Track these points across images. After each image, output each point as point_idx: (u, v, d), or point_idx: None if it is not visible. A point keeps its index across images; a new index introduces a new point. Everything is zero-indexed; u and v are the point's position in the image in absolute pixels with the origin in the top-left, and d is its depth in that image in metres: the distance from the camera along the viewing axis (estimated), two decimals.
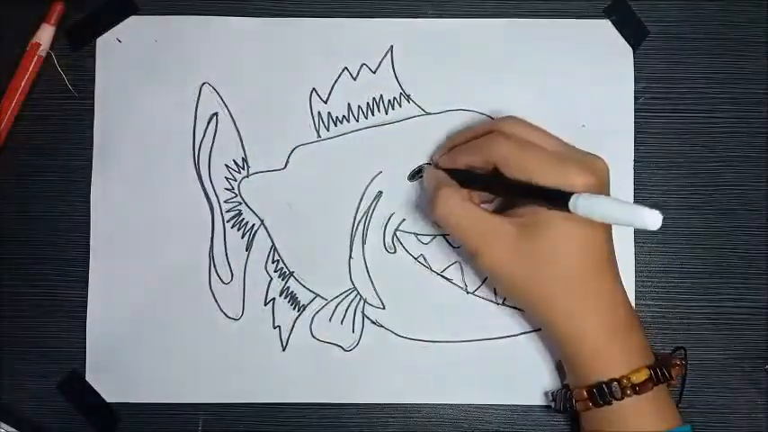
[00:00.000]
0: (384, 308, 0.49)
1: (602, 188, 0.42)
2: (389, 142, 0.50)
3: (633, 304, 0.48)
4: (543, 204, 0.41)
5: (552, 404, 0.48)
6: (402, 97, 0.50)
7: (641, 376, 0.42)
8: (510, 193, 0.43)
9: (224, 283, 0.49)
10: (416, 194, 0.50)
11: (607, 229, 0.43)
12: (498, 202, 0.47)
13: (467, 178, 0.45)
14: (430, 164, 0.49)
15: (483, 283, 0.49)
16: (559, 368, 0.48)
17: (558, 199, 0.39)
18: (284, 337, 0.49)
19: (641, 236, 0.49)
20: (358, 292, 0.49)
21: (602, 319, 0.42)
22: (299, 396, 0.49)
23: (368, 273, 0.49)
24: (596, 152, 0.49)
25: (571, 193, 0.38)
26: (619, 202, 0.37)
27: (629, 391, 0.42)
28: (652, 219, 0.35)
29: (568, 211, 0.38)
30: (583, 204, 0.37)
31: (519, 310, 0.49)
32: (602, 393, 0.42)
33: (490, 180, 0.44)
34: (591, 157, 0.43)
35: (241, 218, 0.50)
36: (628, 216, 0.36)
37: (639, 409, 0.42)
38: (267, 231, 0.50)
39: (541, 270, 0.42)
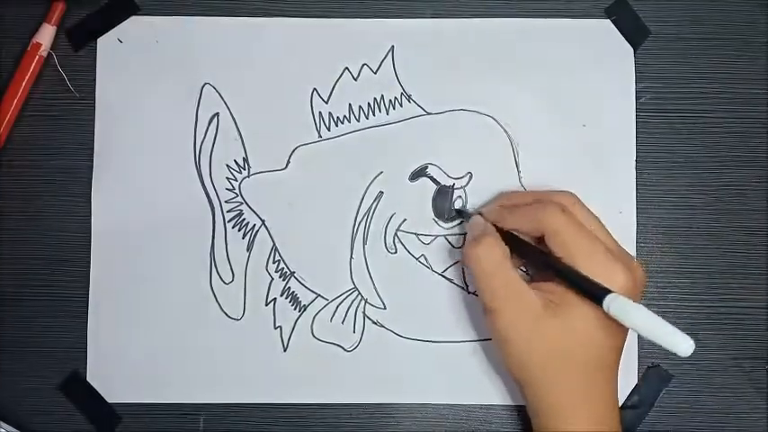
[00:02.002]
0: (385, 308, 0.49)
1: (637, 294, 0.42)
2: (390, 142, 0.50)
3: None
4: (579, 292, 0.41)
5: None
6: (403, 97, 0.50)
7: None
8: (548, 268, 0.43)
9: (225, 283, 0.49)
10: (417, 195, 0.50)
11: (625, 335, 0.43)
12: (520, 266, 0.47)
13: (509, 239, 0.44)
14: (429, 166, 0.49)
15: None
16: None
17: (593, 291, 0.39)
18: (285, 337, 0.49)
19: (641, 236, 0.49)
20: (359, 293, 0.49)
21: (590, 418, 0.42)
22: (300, 396, 0.49)
23: (369, 273, 0.49)
24: (597, 152, 0.50)
25: (609, 291, 0.38)
26: (655, 318, 0.37)
27: None
28: (684, 346, 0.35)
29: (599, 304, 0.38)
30: (617, 306, 0.38)
31: None
32: None
33: (531, 248, 0.44)
34: (635, 262, 0.44)
35: (242, 218, 0.50)
36: (660, 334, 0.36)
37: None
38: (268, 231, 0.50)
39: (549, 350, 0.42)
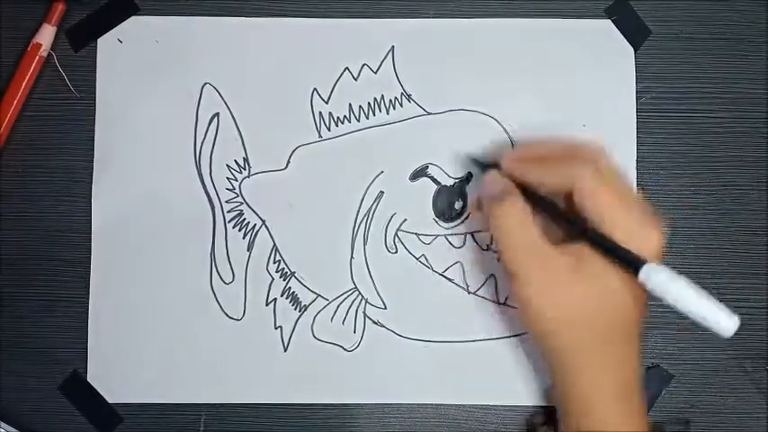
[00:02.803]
0: (385, 308, 0.49)
1: (661, 258, 0.40)
2: (391, 142, 0.50)
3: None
4: (612, 259, 0.39)
5: None
6: (403, 97, 0.50)
7: None
8: (576, 230, 0.41)
9: (225, 283, 0.49)
10: (418, 195, 0.50)
11: (646, 296, 0.41)
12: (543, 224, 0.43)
13: (532, 197, 0.42)
14: (429, 166, 0.49)
15: (484, 283, 0.49)
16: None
17: (628, 260, 0.38)
18: (286, 337, 0.49)
19: None
20: (359, 293, 0.49)
21: (615, 378, 0.41)
22: (300, 396, 0.49)
23: (369, 273, 0.49)
24: None
25: (644, 262, 0.37)
26: (698, 294, 0.35)
27: None
28: (727, 324, 0.34)
29: (634, 274, 0.37)
30: (657, 279, 0.36)
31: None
32: None
33: (557, 208, 0.42)
34: (660, 224, 0.41)
35: (242, 218, 0.50)
36: (703, 312, 0.34)
37: None
38: (268, 231, 0.50)
39: (577, 317, 0.40)
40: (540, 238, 0.41)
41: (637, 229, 0.40)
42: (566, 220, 0.42)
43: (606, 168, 0.41)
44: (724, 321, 0.34)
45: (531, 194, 0.42)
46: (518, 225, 0.41)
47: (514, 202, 0.42)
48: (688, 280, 0.37)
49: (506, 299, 0.49)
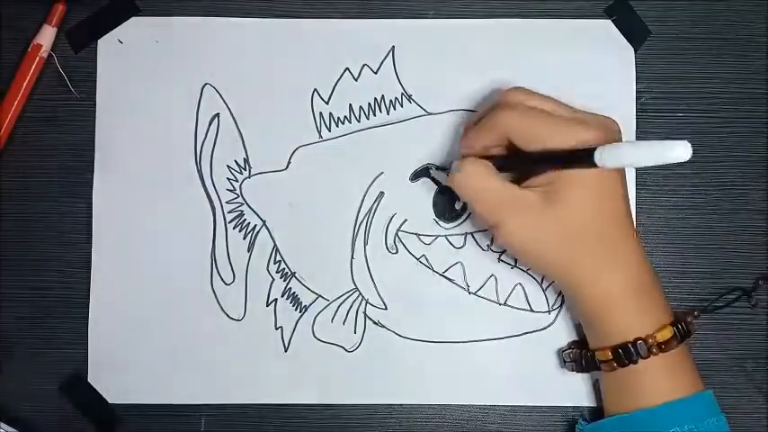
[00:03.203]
0: (386, 308, 0.49)
1: (615, 141, 0.42)
2: (391, 143, 0.50)
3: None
4: (566, 167, 0.41)
5: (568, 365, 0.48)
6: (404, 98, 0.50)
7: (666, 334, 0.42)
8: (530, 165, 0.43)
9: (226, 283, 0.49)
10: (418, 195, 0.50)
11: (623, 185, 0.43)
12: (513, 178, 0.46)
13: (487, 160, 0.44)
14: (430, 167, 0.50)
15: (485, 283, 0.49)
16: (570, 357, 0.48)
17: (581, 157, 0.39)
18: (286, 337, 0.49)
19: (641, 236, 0.49)
20: (360, 293, 0.49)
21: (626, 276, 0.43)
22: (300, 397, 0.49)
23: (370, 273, 0.49)
24: None
25: (593, 148, 0.38)
26: (644, 143, 0.36)
27: (654, 350, 0.42)
28: (682, 149, 0.35)
29: (594, 166, 0.38)
30: (609, 155, 0.37)
31: (524, 309, 0.49)
32: (628, 353, 0.42)
33: (507, 157, 0.44)
34: (599, 117, 0.43)
35: (243, 218, 0.50)
36: (657, 153, 0.35)
37: (663, 370, 0.42)
38: (269, 232, 0.50)
39: (564, 234, 0.42)
40: (506, 183, 0.43)
41: (568, 132, 0.41)
42: (518, 162, 0.43)
43: (522, 98, 0.43)
44: (678, 148, 0.35)
45: (487, 159, 0.44)
46: (482, 179, 0.43)
47: (471, 162, 0.44)
48: (631, 141, 0.38)
49: (507, 299, 0.49)
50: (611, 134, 0.42)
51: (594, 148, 0.38)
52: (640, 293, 0.43)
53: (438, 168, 0.49)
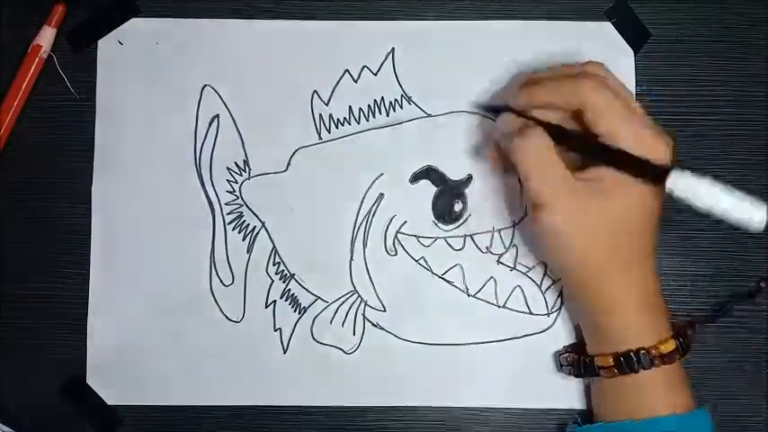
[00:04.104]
0: (385, 310, 0.49)
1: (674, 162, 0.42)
2: (391, 144, 0.50)
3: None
4: (629, 172, 0.40)
5: (565, 369, 0.47)
6: (403, 99, 0.50)
7: (669, 346, 0.42)
8: (589, 150, 0.42)
9: (225, 285, 0.49)
10: (418, 197, 0.50)
11: (660, 198, 0.42)
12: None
13: (547, 129, 0.42)
14: (429, 169, 0.49)
15: (484, 285, 0.49)
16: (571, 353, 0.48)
17: (651, 172, 0.38)
18: (285, 339, 0.49)
19: None
20: (359, 295, 0.49)
21: (639, 290, 0.43)
22: (299, 399, 0.49)
23: (369, 275, 0.49)
24: None
25: (669, 169, 0.37)
26: (728, 190, 0.35)
27: (657, 362, 0.42)
28: (759, 218, 0.34)
29: (658, 184, 0.37)
30: (684, 184, 0.37)
31: (523, 312, 0.49)
32: (630, 361, 0.42)
33: (571, 133, 0.42)
34: (664, 132, 0.42)
35: (242, 220, 0.50)
36: (734, 208, 0.35)
37: (663, 382, 0.42)
38: (268, 233, 0.50)
39: (603, 237, 0.41)
40: (565, 169, 0.42)
41: (649, 140, 0.41)
42: (583, 145, 0.42)
43: (613, 83, 0.42)
44: (757, 216, 0.34)
45: (545, 127, 0.42)
46: (544, 156, 0.42)
47: (539, 134, 0.42)
48: (712, 179, 0.37)
49: (506, 301, 0.49)
50: (674, 153, 0.42)
51: (669, 169, 0.38)
52: (647, 306, 0.43)
53: (484, 106, 0.48)
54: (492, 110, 0.48)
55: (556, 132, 0.42)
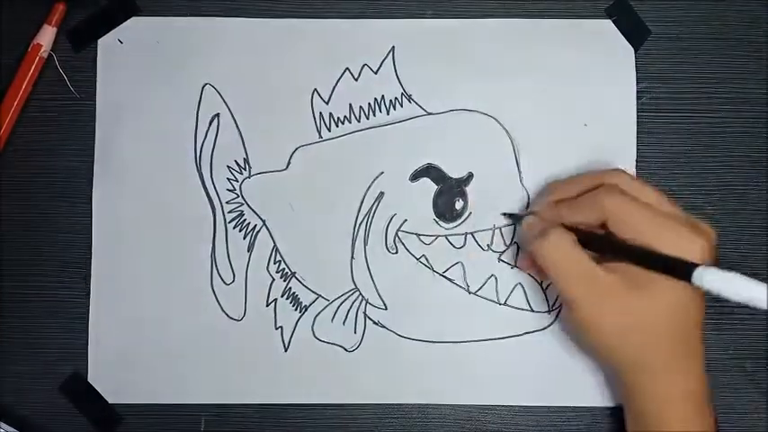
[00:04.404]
0: (386, 308, 0.49)
1: (712, 255, 0.41)
2: (391, 143, 0.50)
3: None
4: (657, 270, 0.40)
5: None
6: (404, 97, 0.50)
7: None
8: (621, 254, 0.42)
9: (226, 283, 0.49)
10: (418, 195, 0.50)
11: (703, 297, 0.42)
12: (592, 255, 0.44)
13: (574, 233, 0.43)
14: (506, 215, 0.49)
15: (485, 283, 0.49)
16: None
17: (678, 268, 0.38)
18: (286, 337, 0.49)
19: None
20: (360, 293, 0.49)
21: (689, 384, 0.42)
22: (300, 397, 0.49)
23: (370, 273, 0.49)
24: (598, 152, 0.50)
25: (695, 265, 0.38)
26: (752, 283, 0.36)
27: None
28: None
29: (687, 280, 0.38)
30: (711, 279, 0.37)
31: (524, 309, 0.49)
32: None
33: (598, 237, 0.43)
34: (701, 222, 0.42)
35: (243, 218, 0.50)
36: (761, 298, 0.35)
37: None
38: (269, 232, 0.50)
39: (638, 329, 0.41)
40: (591, 263, 0.42)
41: (675, 236, 0.40)
42: (610, 247, 0.42)
43: (629, 185, 0.43)
44: None
45: (571, 231, 0.43)
46: (567, 253, 0.42)
47: (560, 233, 0.42)
48: (737, 273, 0.37)
49: (507, 299, 0.49)
50: (712, 245, 0.41)
51: (695, 265, 0.38)
52: (698, 404, 0.42)
53: (508, 215, 0.49)
54: (516, 217, 0.48)
55: (582, 238, 0.43)
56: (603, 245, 0.43)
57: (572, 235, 0.42)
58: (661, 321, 0.41)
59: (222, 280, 0.49)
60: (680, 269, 0.38)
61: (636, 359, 0.42)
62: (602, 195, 0.42)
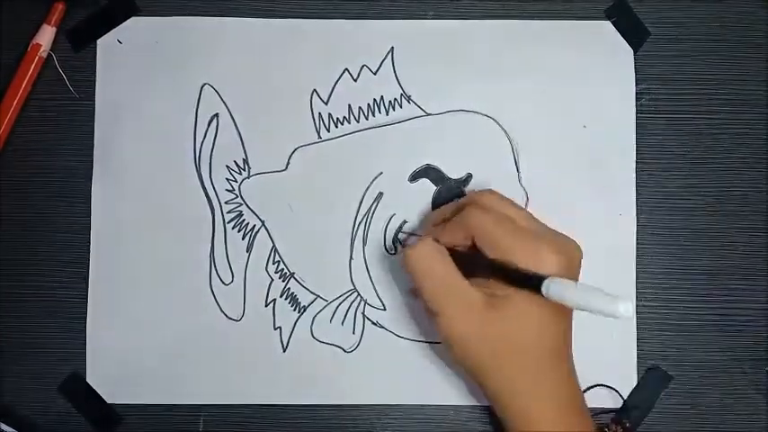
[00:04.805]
0: (385, 309, 0.49)
1: (573, 270, 0.42)
2: (390, 143, 0.50)
3: (634, 305, 0.49)
4: (516, 285, 0.41)
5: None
6: (403, 98, 0.50)
7: None
8: (484, 270, 0.42)
9: (225, 284, 0.49)
10: (417, 196, 0.49)
11: (569, 316, 0.43)
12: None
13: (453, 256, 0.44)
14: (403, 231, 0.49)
15: None
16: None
17: (532, 281, 0.39)
18: (285, 338, 0.49)
19: (641, 236, 0.49)
20: (359, 294, 0.49)
21: (550, 404, 0.42)
22: (299, 397, 0.49)
23: (368, 274, 0.49)
24: (597, 153, 0.49)
25: (544, 277, 0.38)
26: (593, 290, 0.37)
27: None
28: (623, 309, 0.35)
29: (540, 293, 0.38)
30: (557, 289, 0.38)
31: None
32: None
33: (463, 254, 0.44)
34: (564, 238, 0.43)
35: (242, 219, 0.50)
36: (600, 304, 0.36)
37: None
38: (268, 232, 0.50)
39: (500, 344, 0.42)
40: (458, 275, 0.42)
41: (530, 250, 0.41)
42: (475, 262, 0.43)
43: (494, 203, 0.44)
44: (621, 308, 0.35)
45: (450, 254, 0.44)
46: (433, 263, 0.43)
47: (428, 242, 0.43)
48: (581, 283, 0.38)
49: None
50: (572, 259, 0.42)
51: (542, 278, 0.38)
52: (561, 423, 0.42)
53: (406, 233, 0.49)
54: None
55: (458, 258, 0.43)
56: (474, 263, 0.43)
57: (441, 247, 0.43)
58: (521, 333, 0.41)
59: (221, 280, 0.49)
60: (532, 282, 0.39)
61: (502, 379, 0.42)
62: (466, 214, 0.43)
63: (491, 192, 0.45)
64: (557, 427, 0.42)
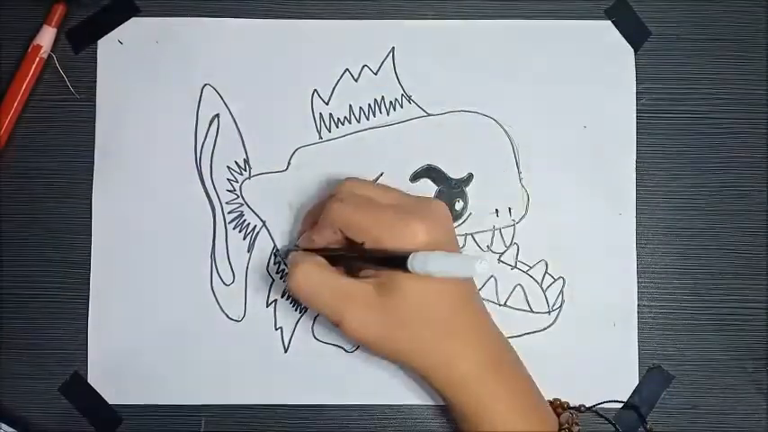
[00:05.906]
0: None
1: (443, 230, 0.42)
2: (391, 143, 0.50)
3: (635, 305, 0.49)
4: (389, 267, 0.40)
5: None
6: (403, 98, 0.50)
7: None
8: (361, 260, 0.42)
9: (225, 284, 0.49)
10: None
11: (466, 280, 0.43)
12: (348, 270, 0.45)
13: (326, 256, 0.44)
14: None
15: (485, 284, 0.49)
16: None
17: (397, 261, 0.39)
18: (286, 338, 0.49)
19: (642, 236, 0.49)
20: None
21: (483, 355, 0.42)
22: (300, 398, 0.49)
23: None
24: (598, 153, 0.50)
25: (406, 256, 0.38)
26: (448, 257, 0.37)
27: None
28: (480, 268, 0.35)
29: (407, 271, 0.38)
30: (419, 264, 0.37)
31: (524, 310, 0.49)
32: None
33: (338, 250, 0.43)
34: (427, 202, 0.43)
35: (243, 219, 0.50)
36: (459, 268, 0.36)
37: None
38: (269, 232, 0.50)
39: (405, 323, 0.41)
40: (340, 277, 0.42)
41: (397, 227, 0.41)
42: (353, 257, 0.43)
43: (347, 190, 0.43)
44: (477, 267, 0.35)
45: (326, 256, 0.43)
46: (315, 280, 0.42)
47: (302, 263, 0.43)
48: (440, 252, 0.38)
49: (506, 300, 0.49)
50: (441, 221, 0.42)
51: (405, 257, 0.38)
52: (498, 370, 0.42)
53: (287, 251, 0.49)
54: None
55: (331, 256, 0.43)
56: (352, 257, 0.43)
57: (317, 259, 0.43)
58: (420, 309, 0.41)
59: (222, 280, 0.49)
60: (398, 262, 0.39)
61: (423, 355, 0.42)
62: (327, 210, 0.43)
63: (348, 179, 0.45)
64: (494, 381, 0.42)
